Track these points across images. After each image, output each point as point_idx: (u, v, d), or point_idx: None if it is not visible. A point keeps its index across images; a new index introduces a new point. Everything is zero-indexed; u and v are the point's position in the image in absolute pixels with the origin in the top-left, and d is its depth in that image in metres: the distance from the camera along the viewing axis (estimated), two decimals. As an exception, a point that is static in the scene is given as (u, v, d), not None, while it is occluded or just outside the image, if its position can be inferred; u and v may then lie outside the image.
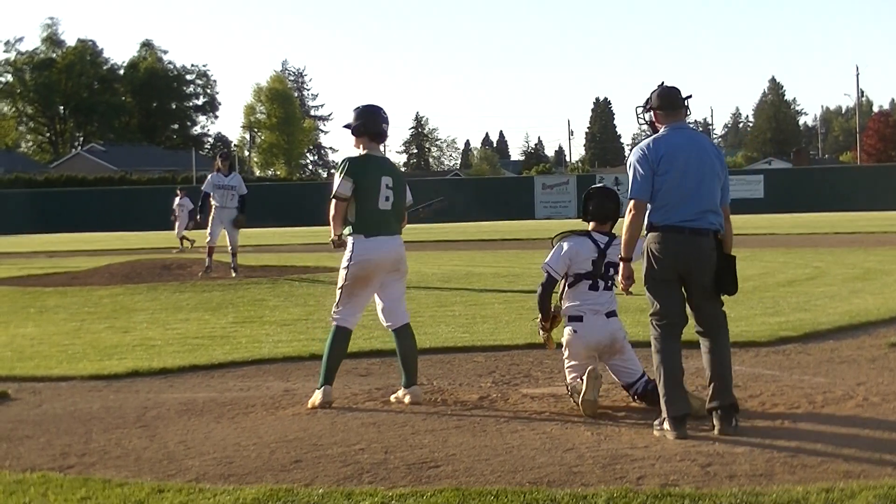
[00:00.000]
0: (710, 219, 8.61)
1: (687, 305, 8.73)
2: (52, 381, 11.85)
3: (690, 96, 8.95)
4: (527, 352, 12.93)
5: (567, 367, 9.70)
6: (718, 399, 8.48)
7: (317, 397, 9.87)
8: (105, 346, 14.26)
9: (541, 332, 9.93)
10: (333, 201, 10.01)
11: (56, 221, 73.78)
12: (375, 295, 10.17)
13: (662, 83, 9.02)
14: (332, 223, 10.07)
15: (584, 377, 9.19)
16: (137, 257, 29.83)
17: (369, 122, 10.17)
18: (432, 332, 14.55)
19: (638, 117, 9.14)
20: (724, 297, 8.77)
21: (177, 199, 43.45)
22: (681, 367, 8.65)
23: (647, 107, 8.97)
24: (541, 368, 11.84)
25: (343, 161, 10.15)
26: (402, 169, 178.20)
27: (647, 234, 8.70)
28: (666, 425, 8.41)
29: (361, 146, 10.20)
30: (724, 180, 8.80)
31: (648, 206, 8.64)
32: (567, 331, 9.71)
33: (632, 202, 8.69)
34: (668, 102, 8.86)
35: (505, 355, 12.79)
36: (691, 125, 9.14)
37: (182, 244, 41.15)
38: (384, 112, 10.29)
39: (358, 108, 10.28)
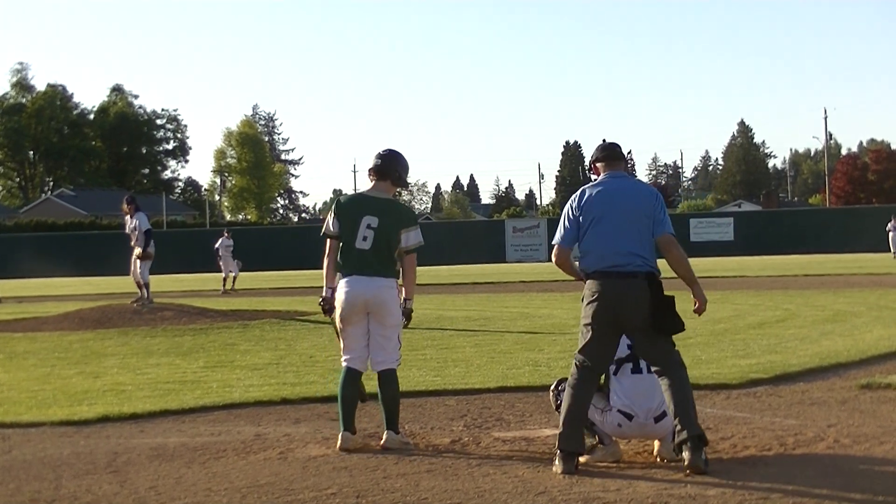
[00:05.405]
0: (639, 262, 8.77)
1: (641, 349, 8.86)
2: (22, 427, 11.78)
3: (630, 151, 9.21)
4: (498, 395, 12.95)
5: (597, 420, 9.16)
6: (684, 431, 8.49)
7: (338, 441, 9.86)
8: (75, 392, 14.18)
9: None
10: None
11: (26, 267, 73.38)
12: None
13: (604, 140, 9.36)
14: (324, 268, 10.19)
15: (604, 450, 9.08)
16: (108, 302, 29.71)
17: (371, 162, 10.24)
18: (403, 375, 14.42)
19: (588, 175, 9.42)
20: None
21: None
22: (586, 411, 8.81)
23: (588, 164, 9.38)
24: (512, 412, 11.85)
25: (334, 200, 10.27)
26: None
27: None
28: (556, 459, 8.63)
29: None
30: (656, 214, 8.94)
31: (576, 251, 8.95)
32: (613, 419, 9.02)
33: (555, 248, 9.11)
34: (606, 154, 9.22)
35: (476, 399, 12.79)
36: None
37: None
38: (383, 152, 10.21)
39: None
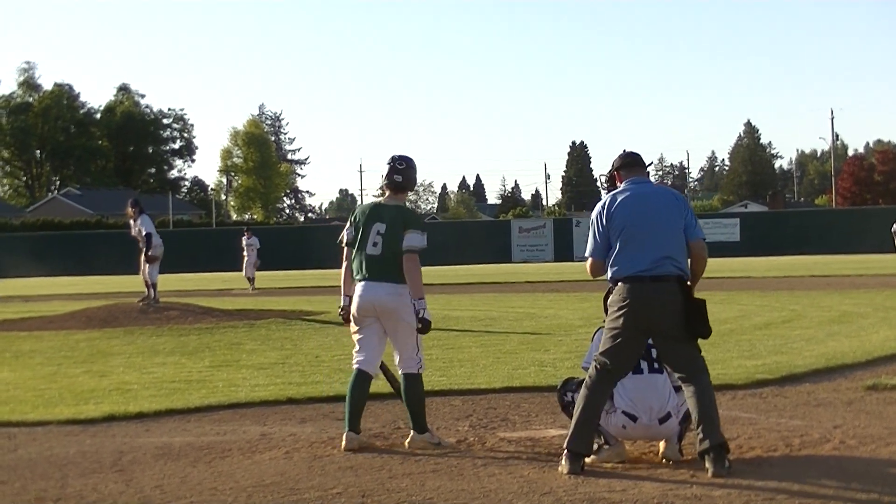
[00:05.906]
0: (670, 266, 8.71)
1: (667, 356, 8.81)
2: (28, 426, 11.80)
3: (652, 163, 9.13)
4: (504, 395, 12.94)
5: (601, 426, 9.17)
6: (708, 439, 8.45)
7: (343, 442, 9.89)
8: (81, 391, 14.19)
9: None
10: None
11: (32, 265, 73.43)
12: None
13: (624, 150, 9.32)
14: (341, 277, 10.27)
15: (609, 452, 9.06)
16: (114, 301, 29.72)
17: (385, 173, 10.29)
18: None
19: (602, 187, 9.40)
20: (700, 340, 8.80)
21: None
22: (599, 414, 8.79)
23: (609, 173, 9.33)
24: (518, 412, 11.84)
25: (352, 209, 10.38)
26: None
27: (610, 287, 8.85)
28: (562, 459, 8.62)
29: None
30: (688, 219, 8.89)
31: (609, 260, 8.84)
32: (617, 420, 9.02)
33: (588, 261, 9.06)
34: (628, 162, 9.17)
35: (482, 399, 12.79)
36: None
37: None
38: (396, 162, 10.22)
39: None
